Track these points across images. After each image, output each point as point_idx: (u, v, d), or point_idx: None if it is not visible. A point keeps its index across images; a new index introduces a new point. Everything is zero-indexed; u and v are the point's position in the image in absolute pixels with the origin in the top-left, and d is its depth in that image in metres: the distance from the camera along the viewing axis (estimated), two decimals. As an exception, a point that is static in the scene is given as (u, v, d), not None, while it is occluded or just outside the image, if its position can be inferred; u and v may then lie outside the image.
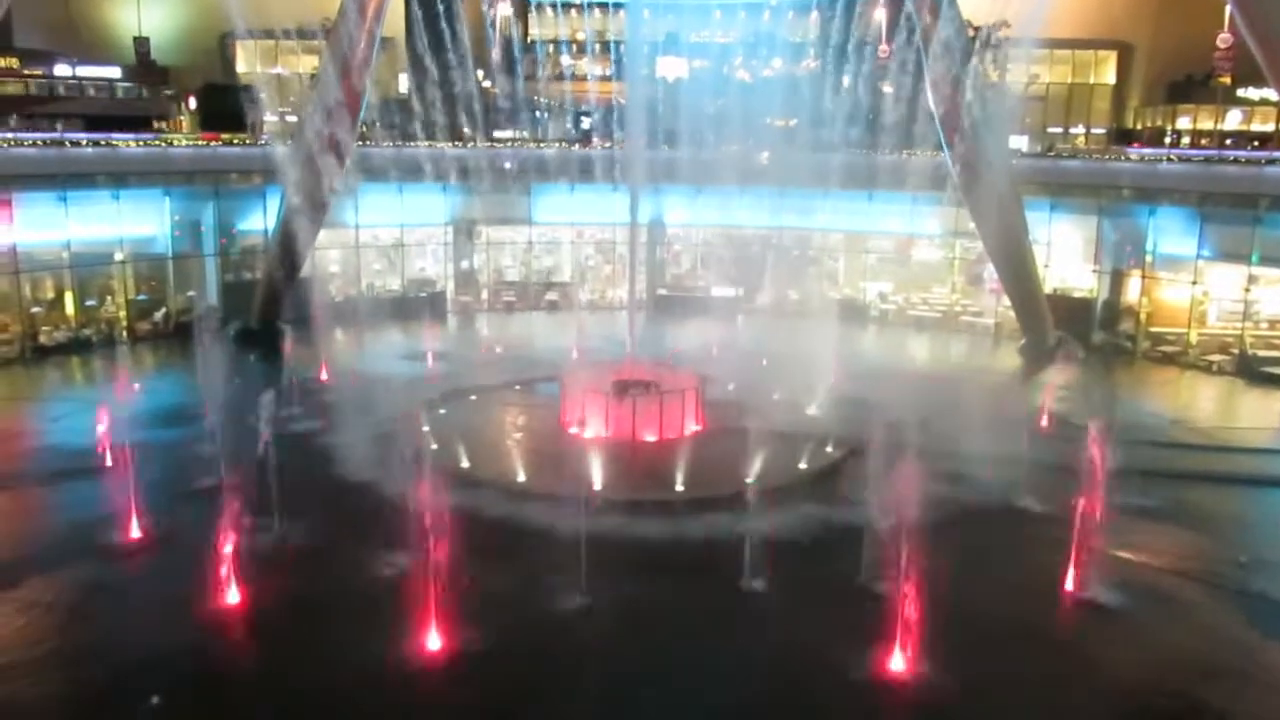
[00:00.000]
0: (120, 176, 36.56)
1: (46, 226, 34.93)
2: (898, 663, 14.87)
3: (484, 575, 16.99)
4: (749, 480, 22.42)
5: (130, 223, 37.19)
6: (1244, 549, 19.46)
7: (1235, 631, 16.67)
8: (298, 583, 17.62)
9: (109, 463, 21.90)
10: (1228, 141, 51.49)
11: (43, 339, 34.70)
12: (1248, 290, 34.99)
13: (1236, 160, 37.09)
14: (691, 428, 25.87)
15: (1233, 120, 54.91)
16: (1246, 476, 24.14)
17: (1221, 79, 50.83)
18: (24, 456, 24.78)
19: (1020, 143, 47.15)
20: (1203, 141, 53.02)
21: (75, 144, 36.94)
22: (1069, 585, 17.65)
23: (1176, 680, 15.18)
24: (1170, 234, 36.80)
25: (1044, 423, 27.51)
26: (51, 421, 27.81)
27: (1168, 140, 53.94)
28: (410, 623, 14.86)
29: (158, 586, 17.30)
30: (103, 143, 37.38)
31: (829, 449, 24.67)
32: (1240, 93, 53.09)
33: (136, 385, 30.14)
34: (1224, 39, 48.62)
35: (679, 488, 22.27)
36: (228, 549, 16.28)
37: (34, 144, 36.47)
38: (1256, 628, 16.84)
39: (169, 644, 15.05)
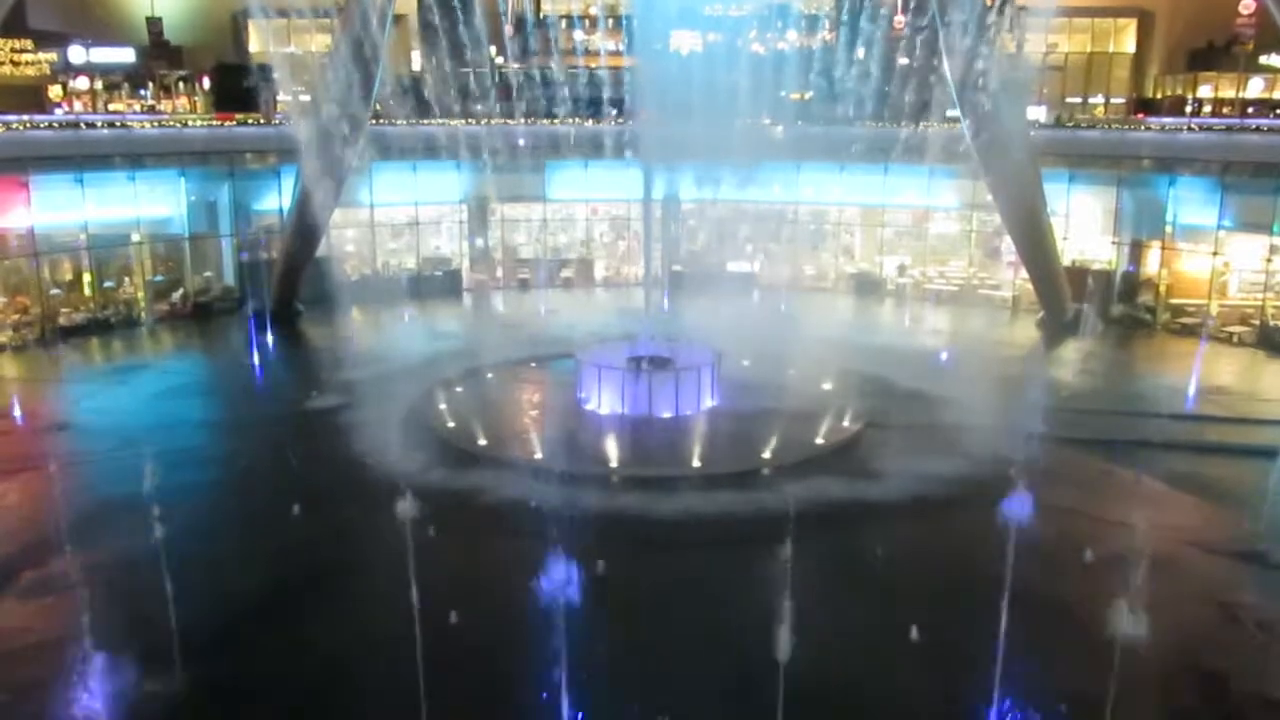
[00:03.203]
0: (136, 158, 36.68)
1: (64, 208, 35.13)
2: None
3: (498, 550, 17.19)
4: (765, 456, 22.52)
5: (146, 204, 37.35)
6: (1263, 520, 19.35)
7: (1253, 603, 16.63)
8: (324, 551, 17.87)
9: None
10: (1249, 110, 50.81)
11: (62, 320, 34.95)
12: (1269, 261, 34.61)
13: (1259, 129, 36.61)
14: (708, 403, 25.87)
15: (1255, 88, 54.07)
16: (1267, 448, 23.95)
17: (1243, 46, 50.06)
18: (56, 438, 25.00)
19: (1038, 113, 46.66)
20: (1224, 110, 52.30)
21: (91, 125, 37.07)
22: (1084, 555, 17.65)
23: (1192, 652, 15.18)
24: (1190, 204, 36.40)
25: (1061, 395, 27.36)
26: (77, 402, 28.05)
27: (1188, 109, 53.22)
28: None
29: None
30: (118, 124, 37.46)
31: (845, 423, 24.63)
32: (1262, 60, 52.26)
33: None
34: (1246, 5, 47.87)
35: (695, 464, 22.32)
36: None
37: (50, 126, 36.62)
38: (1276, 599, 16.81)
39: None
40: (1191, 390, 27.85)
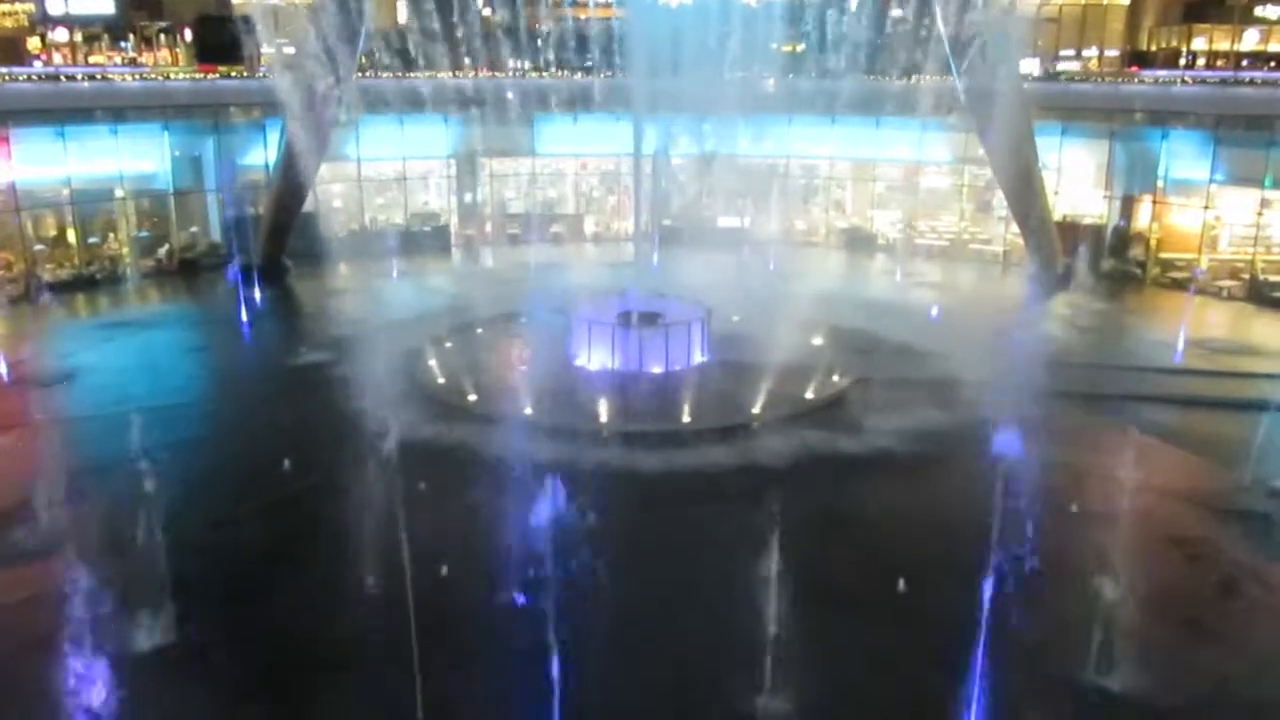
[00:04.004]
0: (118, 111, 36.14)
1: (46, 162, 34.67)
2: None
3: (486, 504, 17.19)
4: (754, 411, 22.56)
5: (129, 158, 36.87)
6: (1249, 472, 19.48)
7: (1239, 553, 16.80)
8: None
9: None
10: (1244, 62, 50.48)
11: (47, 277, 34.62)
12: (1260, 215, 34.57)
13: (1252, 82, 36.39)
14: (698, 358, 25.85)
15: (1250, 40, 53.72)
16: (1252, 401, 24.10)
17: (1239, -2, 49.67)
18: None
19: (1032, 66, 46.29)
20: (1218, 63, 51.96)
21: (71, 78, 36.48)
22: (1071, 506, 17.79)
23: (1179, 601, 15.37)
24: (1183, 158, 36.25)
25: (1050, 350, 27.44)
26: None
27: (1183, 62, 52.85)
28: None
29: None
30: (99, 77, 36.86)
31: (835, 378, 24.64)
32: (1258, 11, 51.88)
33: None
34: (1242, -44, 47.37)
35: (686, 419, 22.34)
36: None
37: (29, 79, 36.04)
38: (1262, 550, 16.98)
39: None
40: (1181, 344, 27.94)
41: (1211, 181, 34.97)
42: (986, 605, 12.07)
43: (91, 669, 12.01)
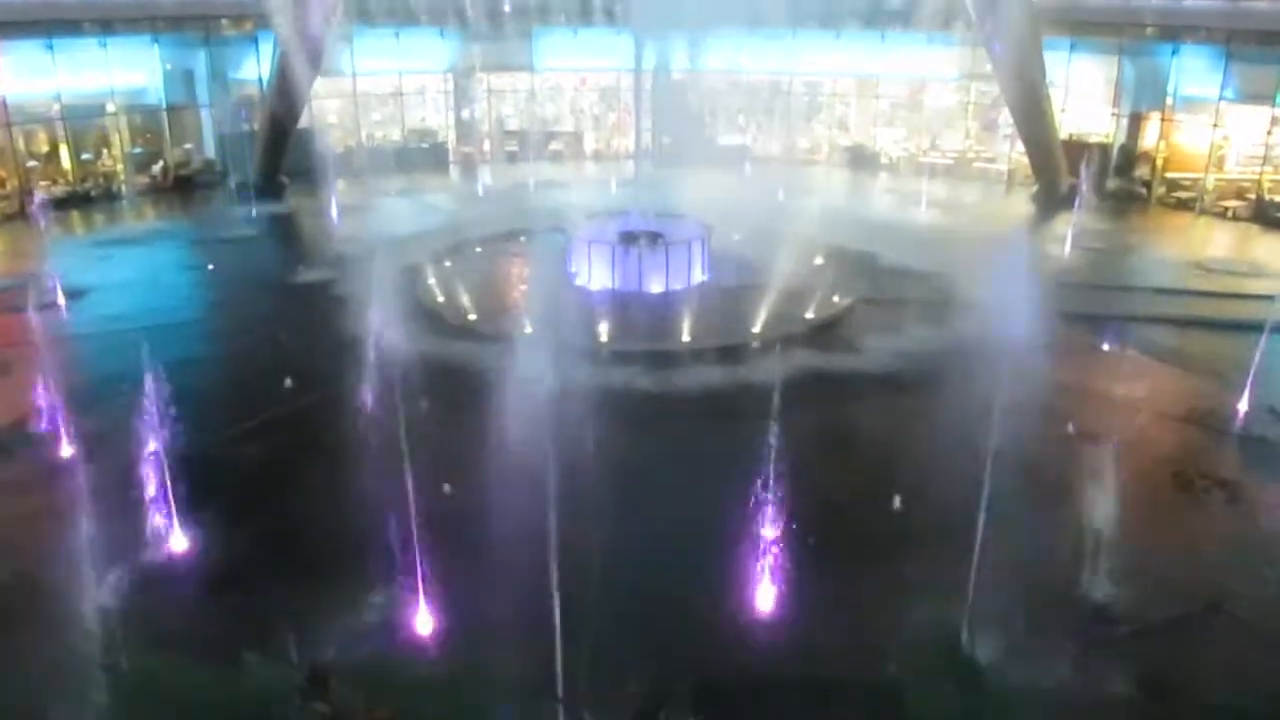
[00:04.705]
0: (106, 23, 35.36)
1: (35, 76, 34.03)
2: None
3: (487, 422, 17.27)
4: (754, 331, 22.54)
5: (120, 72, 36.18)
6: (1249, 393, 19.53)
7: (1236, 474, 16.92)
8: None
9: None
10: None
11: (41, 193, 34.21)
12: (1269, 134, 34.05)
13: (1268, -5, 35.48)
14: (698, 278, 25.73)
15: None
16: (1252, 322, 24.06)
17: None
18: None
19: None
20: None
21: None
22: (1067, 424, 17.88)
23: (1174, 520, 15.54)
24: (1193, 74, 35.58)
25: (1052, 270, 27.32)
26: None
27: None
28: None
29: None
30: (83, -15, 36.02)
31: (835, 299, 24.57)
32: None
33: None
34: None
35: (685, 338, 22.32)
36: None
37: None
38: (1257, 471, 17.11)
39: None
40: (1184, 264, 27.78)
41: (1221, 99, 34.37)
42: (980, 519, 12.23)
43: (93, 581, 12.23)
